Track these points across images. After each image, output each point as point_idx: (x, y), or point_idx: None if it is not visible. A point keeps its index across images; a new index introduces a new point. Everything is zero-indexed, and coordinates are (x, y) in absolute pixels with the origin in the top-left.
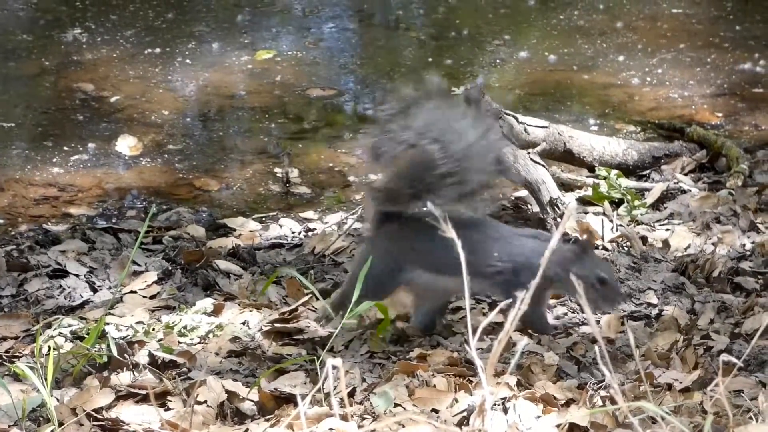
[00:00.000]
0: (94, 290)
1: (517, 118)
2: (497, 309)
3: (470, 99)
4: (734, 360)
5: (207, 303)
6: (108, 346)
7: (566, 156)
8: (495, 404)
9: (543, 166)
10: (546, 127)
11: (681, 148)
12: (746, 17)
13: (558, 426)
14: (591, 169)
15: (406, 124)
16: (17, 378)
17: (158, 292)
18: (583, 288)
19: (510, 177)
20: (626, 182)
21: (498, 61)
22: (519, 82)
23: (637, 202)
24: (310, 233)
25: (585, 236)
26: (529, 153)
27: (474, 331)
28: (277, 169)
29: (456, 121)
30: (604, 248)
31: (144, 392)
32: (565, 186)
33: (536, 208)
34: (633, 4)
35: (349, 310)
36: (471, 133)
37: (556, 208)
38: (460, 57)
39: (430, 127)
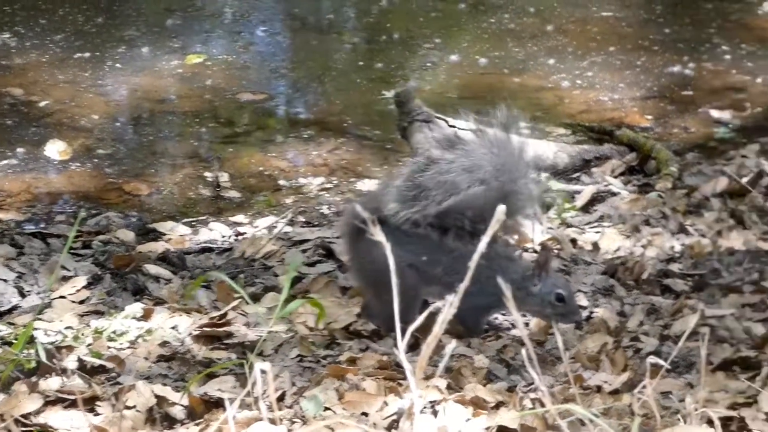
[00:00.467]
0: (23, 295)
1: (447, 122)
2: (425, 313)
3: (401, 102)
4: (661, 362)
5: (136, 308)
6: (36, 351)
7: None
8: (424, 407)
9: None
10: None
11: (611, 150)
12: (675, 20)
13: (487, 429)
14: None
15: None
16: None
17: (87, 297)
18: (542, 305)
19: None
20: (557, 185)
21: (429, 64)
22: (450, 85)
23: (567, 205)
24: (240, 237)
25: (544, 252)
26: None
27: (403, 334)
28: (207, 174)
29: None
30: (534, 251)
31: (73, 397)
32: None
33: None
34: (563, 7)
35: (278, 309)
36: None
37: None
38: (391, 60)
39: (505, 169)
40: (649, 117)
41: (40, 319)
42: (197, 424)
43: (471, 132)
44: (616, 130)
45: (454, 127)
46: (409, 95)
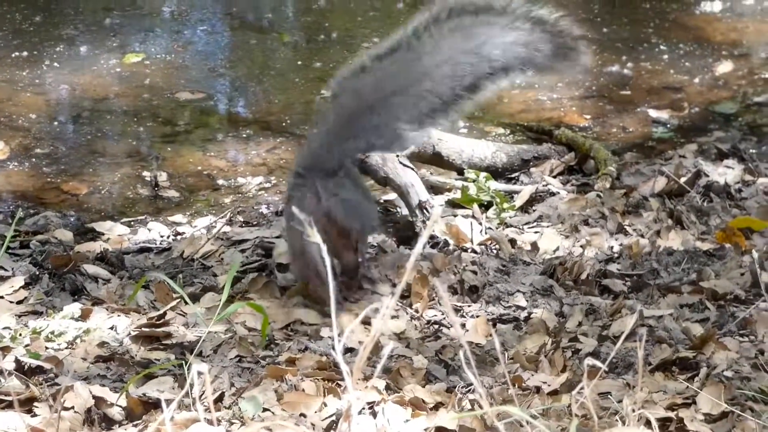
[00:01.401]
0: None
1: None
2: (362, 314)
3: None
4: (599, 364)
5: (75, 308)
6: None
7: (435, 159)
8: (363, 408)
9: (412, 169)
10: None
11: (549, 150)
12: (613, 20)
13: (426, 429)
14: (460, 171)
15: None
16: None
17: (25, 297)
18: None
19: (378, 180)
20: (495, 185)
21: None
22: None
23: (506, 205)
24: (178, 237)
25: None
26: (398, 156)
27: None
28: (145, 173)
29: None
30: (474, 251)
31: (9, 399)
32: (435, 189)
33: (406, 211)
34: None
35: (218, 310)
36: None
37: (424, 211)
38: (330, 60)
39: None
40: (588, 116)
41: None
42: (135, 425)
43: None
44: (554, 130)
45: None
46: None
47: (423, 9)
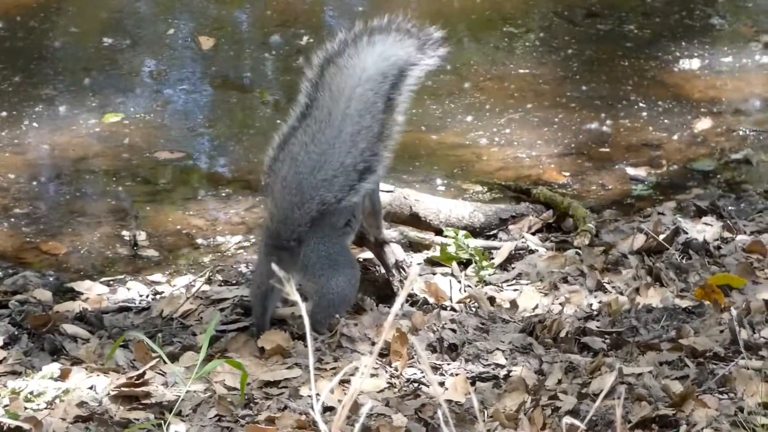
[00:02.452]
0: None
1: None
2: (341, 373)
3: None
4: (577, 423)
5: (54, 368)
6: None
7: (413, 219)
8: None
9: (387, 228)
10: (391, 192)
11: (527, 209)
12: (592, 77)
13: None
14: (438, 232)
15: None
16: None
17: (4, 358)
18: None
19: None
20: (474, 242)
21: None
22: None
23: (485, 263)
24: (158, 296)
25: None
26: None
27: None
28: (124, 232)
29: None
30: (453, 309)
31: None
32: (414, 246)
33: (383, 270)
34: (480, 64)
35: (196, 370)
36: None
37: (401, 270)
38: None
39: None
40: (567, 173)
41: None
42: None
43: None
44: (532, 189)
45: None
46: None
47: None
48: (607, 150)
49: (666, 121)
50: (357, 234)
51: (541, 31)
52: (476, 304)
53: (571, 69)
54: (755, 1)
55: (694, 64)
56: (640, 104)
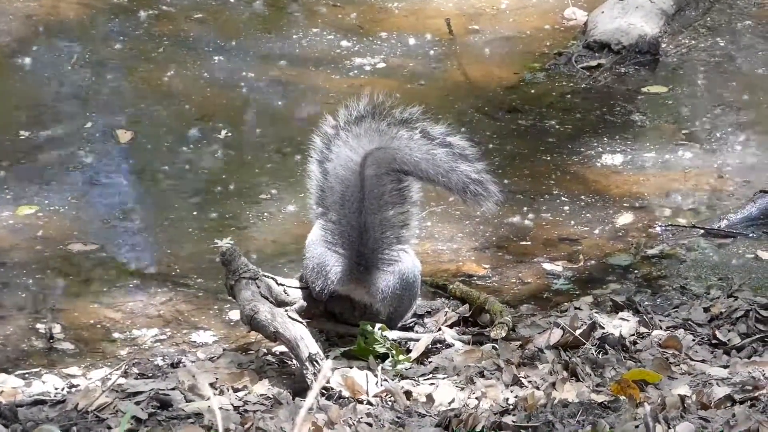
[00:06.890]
0: None
1: (276, 280)
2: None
3: (226, 261)
4: None
5: None
6: None
7: (327, 314)
8: None
9: (301, 323)
10: (305, 288)
11: (443, 305)
12: (515, 172)
13: None
14: (354, 325)
15: None
16: None
17: None
18: None
19: (269, 335)
20: (392, 334)
21: (266, 214)
22: (288, 235)
23: (401, 357)
24: (73, 389)
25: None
26: (286, 311)
27: None
28: (39, 325)
29: None
30: (369, 403)
31: None
32: (331, 340)
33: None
34: None
35: None
36: None
37: (315, 363)
38: (227, 211)
39: None
40: (486, 266)
41: None
42: None
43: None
44: (448, 284)
45: (282, 285)
46: (233, 254)
47: None
48: (528, 243)
49: (588, 215)
50: (271, 330)
51: (462, 125)
52: (392, 398)
53: (493, 163)
54: (676, 99)
55: (617, 159)
56: (563, 198)
